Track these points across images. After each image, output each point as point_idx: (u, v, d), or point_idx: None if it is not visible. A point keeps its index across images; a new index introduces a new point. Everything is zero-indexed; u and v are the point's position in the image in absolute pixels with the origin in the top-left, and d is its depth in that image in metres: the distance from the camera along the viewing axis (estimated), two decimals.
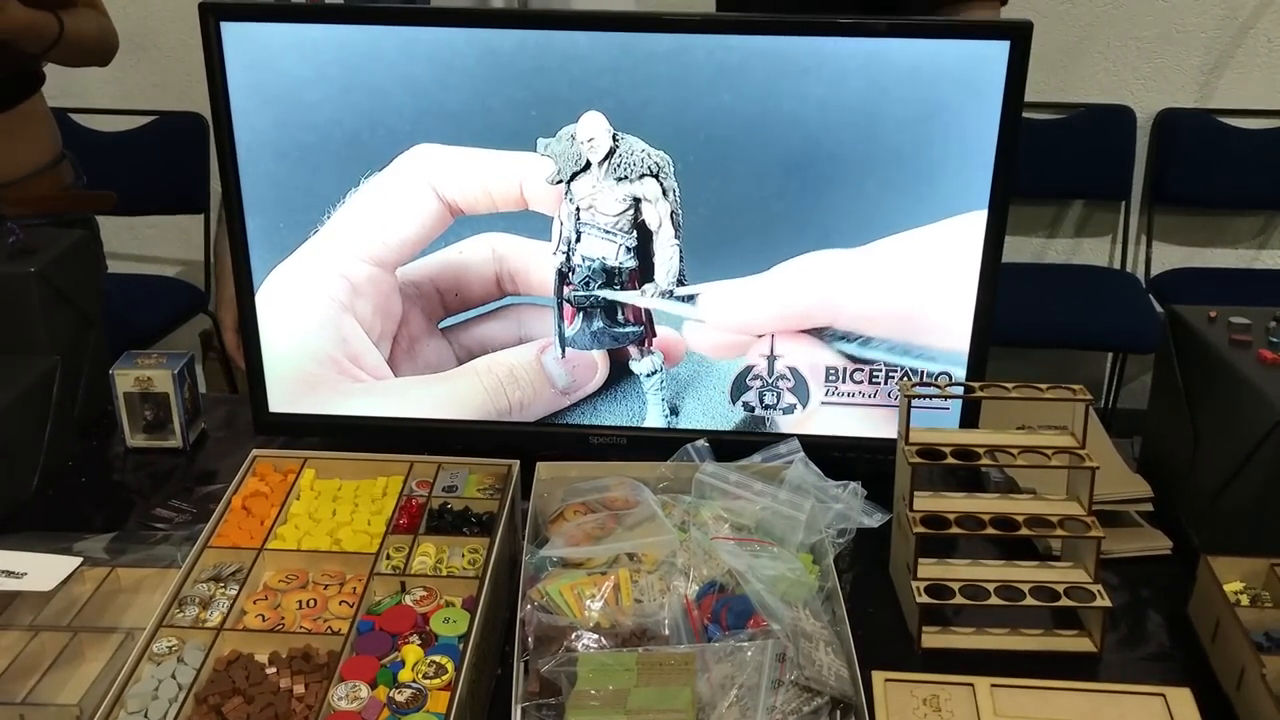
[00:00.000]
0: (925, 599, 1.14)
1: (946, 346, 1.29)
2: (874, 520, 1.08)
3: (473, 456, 1.25)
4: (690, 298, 1.29)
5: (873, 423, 1.33)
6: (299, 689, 0.97)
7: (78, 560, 1.13)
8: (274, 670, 0.99)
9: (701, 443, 1.17)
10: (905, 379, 1.30)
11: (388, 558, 1.11)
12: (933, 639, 1.16)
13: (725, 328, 1.30)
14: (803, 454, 1.14)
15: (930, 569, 1.18)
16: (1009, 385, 1.19)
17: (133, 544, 1.20)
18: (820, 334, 1.30)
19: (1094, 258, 3.15)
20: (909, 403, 1.18)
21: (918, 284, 1.27)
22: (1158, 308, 2.93)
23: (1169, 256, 3.13)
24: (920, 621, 1.15)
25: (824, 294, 1.28)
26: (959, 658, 1.14)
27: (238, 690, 0.97)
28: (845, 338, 1.29)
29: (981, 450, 1.18)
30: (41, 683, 1.00)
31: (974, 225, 1.24)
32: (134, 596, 1.13)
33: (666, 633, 1.00)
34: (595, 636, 0.98)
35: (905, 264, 1.26)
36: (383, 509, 1.17)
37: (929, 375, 1.31)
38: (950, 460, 1.17)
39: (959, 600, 1.14)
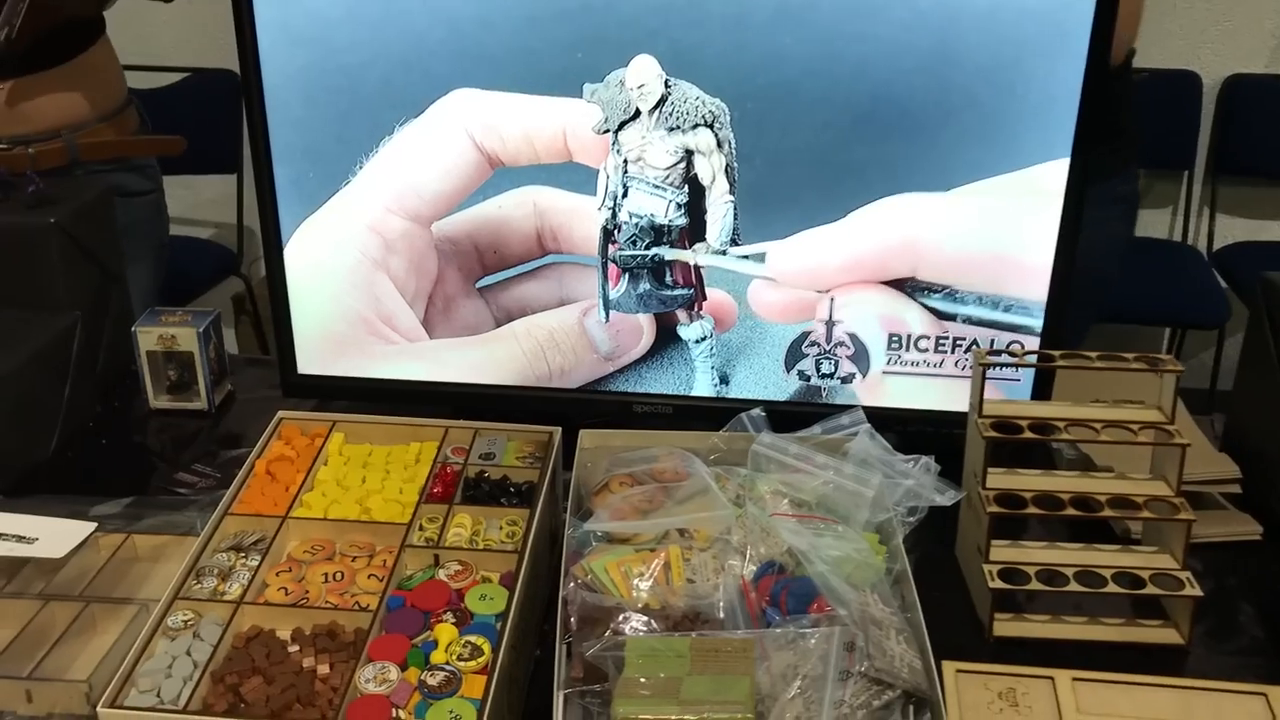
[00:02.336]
0: (999, 584, 1.06)
1: (1035, 298, 1.20)
2: (946, 498, 1.00)
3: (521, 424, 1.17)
4: (755, 256, 1.20)
5: (936, 394, 1.25)
6: (323, 669, 0.89)
7: (92, 526, 1.07)
8: (296, 648, 0.91)
9: (757, 412, 1.09)
10: (976, 347, 1.21)
11: (420, 529, 1.03)
12: (1005, 627, 1.07)
13: (793, 283, 1.21)
14: (869, 425, 1.06)
15: (1003, 551, 1.09)
16: (1091, 355, 1.10)
17: (152, 509, 1.14)
18: (902, 286, 1.21)
19: (1155, 230, 3.03)
20: (983, 372, 1.09)
21: (1001, 231, 1.17)
22: (1221, 283, 2.82)
23: (1232, 230, 3.00)
24: (992, 608, 1.06)
25: (904, 240, 1.18)
26: (1033, 648, 1.05)
27: (257, 669, 0.89)
28: (930, 290, 1.20)
29: (1062, 424, 1.09)
30: (50, 656, 0.94)
31: (1055, 174, 1.14)
32: (151, 565, 1.07)
33: (721, 616, 0.92)
34: (644, 619, 0.90)
35: (988, 211, 1.16)
36: (415, 477, 1.09)
37: (999, 345, 1.21)
38: (1028, 435, 1.08)
39: (1035, 586, 1.06)
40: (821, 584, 0.92)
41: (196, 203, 3.17)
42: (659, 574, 0.94)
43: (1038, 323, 1.21)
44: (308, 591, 0.97)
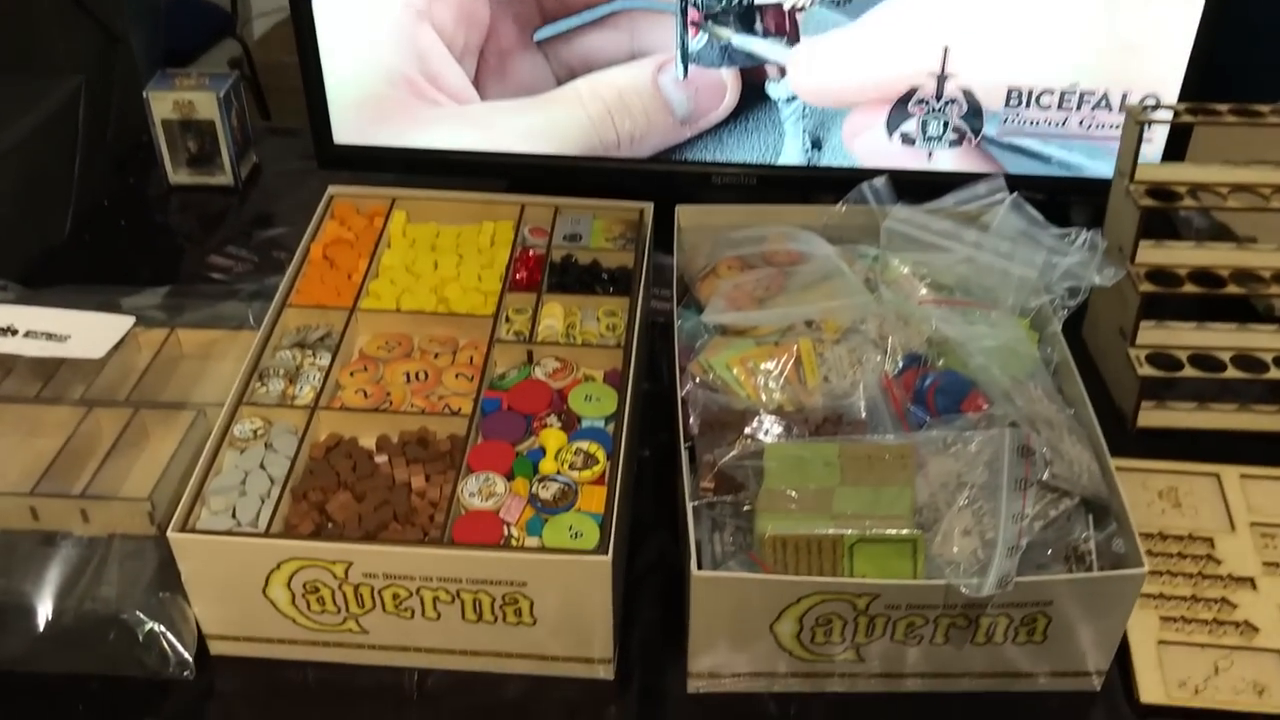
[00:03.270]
0: (1149, 370, 0.95)
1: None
2: (1107, 278, 0.87)
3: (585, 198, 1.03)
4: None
5: (1059, 158, 1.11)
6: (418, 482, 0.79)
7: (130, 321, 0.94)
8: (384, 459, 0.81)
9: (881, 181, 0.95)
10: (1129, 102, 1.06)
11: (507, 320, 0.91)
12: (1152, 416, 0.97)
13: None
14: (1016, 194, 0.92)
15: (1150, 334, 0.98)
16: (1263, 108, 0.96)
17: (192, 300, 1.01)
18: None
19: None
20: (1139, 130, 0.95)
21: None
22: None
23: None
24: (1139, 396, 0.96)
25: None
26: (1178, 440, 0.96)
27: (343, 484, 0.79)
28: None
29: (1225, 190, 0.96)
30: (103, 470, 0.83)
31: None
32: (201, 365, 0.95)
33: (863, 417, 0.81)
34: (779, 423, 0.79)
35: None
36: (493, 261, 0.96)
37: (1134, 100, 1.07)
38: (1188, 202, 0.95)
39: (1190, 372, 0.95)
40: (983, 379, 0.81)
41: None
42: (790, 371, 0.83)
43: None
44: (389, 394, 0.85)
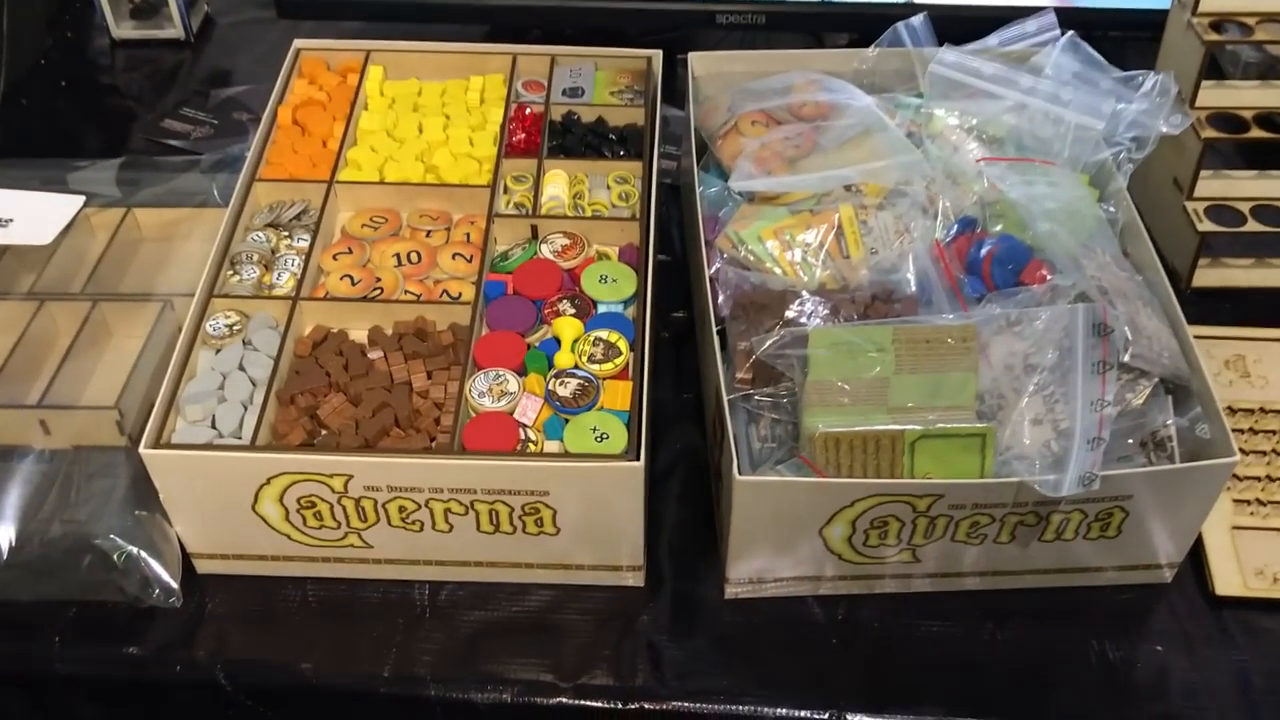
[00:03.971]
0: (1208, 225, 0.87)
1: None
2: (1175, 126, 0.78)
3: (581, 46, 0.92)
4: None
5: None
6: (419, 380, 0.70)
7: (79, 200, 0.84)
8: (379, 354, 0.72)
9: (920, 20, 0.84)
10: None
11: (506, 191, 0.81)
12: (1207, 276, 0.90)
13: None
14: (1071, 33, 0.82)
15: (1207, 184, 0.89)
16: None
17: (148, 173, 0.90)
18: None
19: None
20: None
21: None
22: None
23: None
24: (1197, 253, 0.88)
25: None
26: (1236, 301, 0.89)
27: (335, 385, 0.70)
28: None
29: None
30: (60, 375, 0.74)
31: None
32: (164, 249, 0.84)
33: (912, 291, 0.73)
34: (823, 302, 0.71)
35: None
36: (485, 122, 0.86)
37: None
38: (1260, 35, 0.86)
39: (1252, 226, 0.87)
40: (1043, 245, 0.72)
41: None
42: (831, 243, 0.74)
43: None
44: (379, 279, 0.76)
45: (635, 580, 0.72)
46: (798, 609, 0.71)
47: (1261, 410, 0.78)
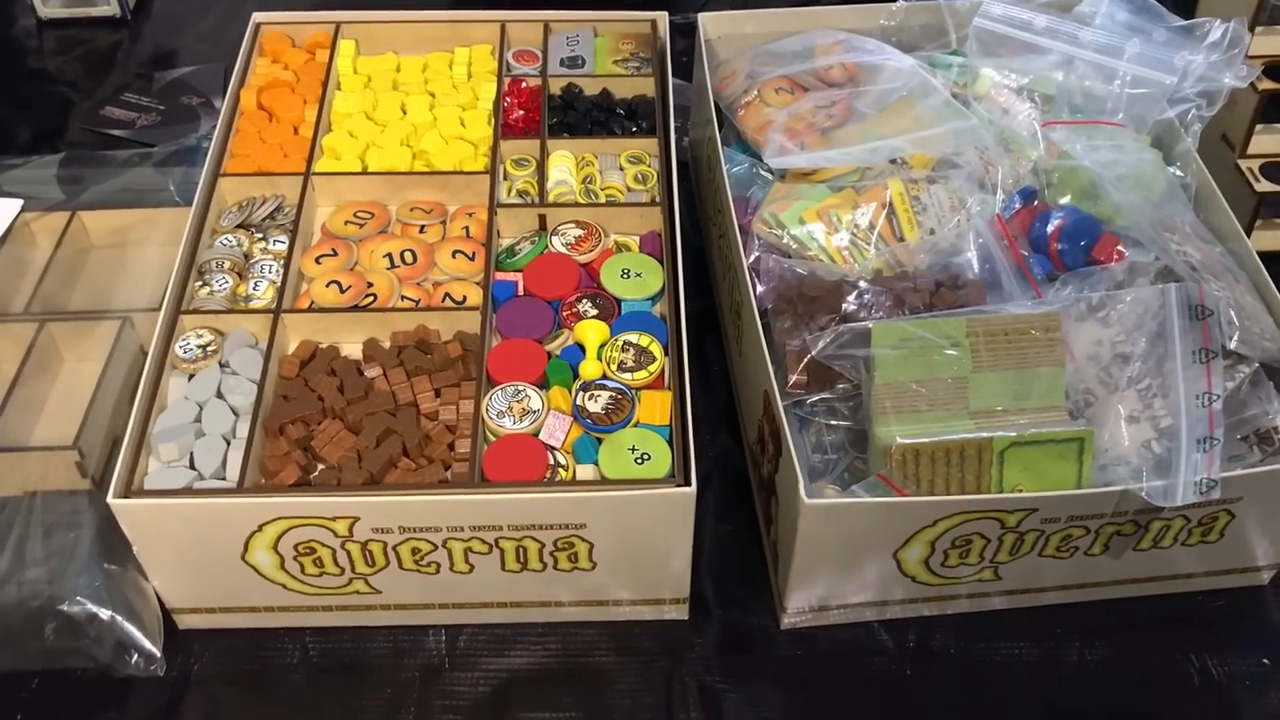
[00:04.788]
0: (1266, 185, 0.80)
1: None
2: (1239, 77, 0.71)
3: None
4: None
5: None
6: (427, 401, 0.61)
7: (17, 203, 0.74)
8: (377, 372, 0.63)
9: None
10: None
11: (506, 177, 0.72)
12: (1264, 239, 0.83)
13: None
14: None
15: (1263, 141, 0.82)
16: None
17: (92, 168, 0.80)
18: None
19: None
20: None
21: None
22: None
23: None
24: (1254, 215, 0.81)
25: None
26: None
27: (329, 411, 0.61)
28: None
29: None
30: (8, 409, 0.64)
31: None
32: (118, 257, 0.75)
33: (974, 274, 0.65)
34: (882, 293, 0.63)
35: None
36: (476, 99, 0.77)
37: None
38: None
39: None
40: (1115, 216, 0.65)
41: None
42: (883, 224, 0.66)
43: None
44: (371, 285, 0.66)
45: (679, 613, 0.64)
46: (862, 636, 0.64)
47: None
